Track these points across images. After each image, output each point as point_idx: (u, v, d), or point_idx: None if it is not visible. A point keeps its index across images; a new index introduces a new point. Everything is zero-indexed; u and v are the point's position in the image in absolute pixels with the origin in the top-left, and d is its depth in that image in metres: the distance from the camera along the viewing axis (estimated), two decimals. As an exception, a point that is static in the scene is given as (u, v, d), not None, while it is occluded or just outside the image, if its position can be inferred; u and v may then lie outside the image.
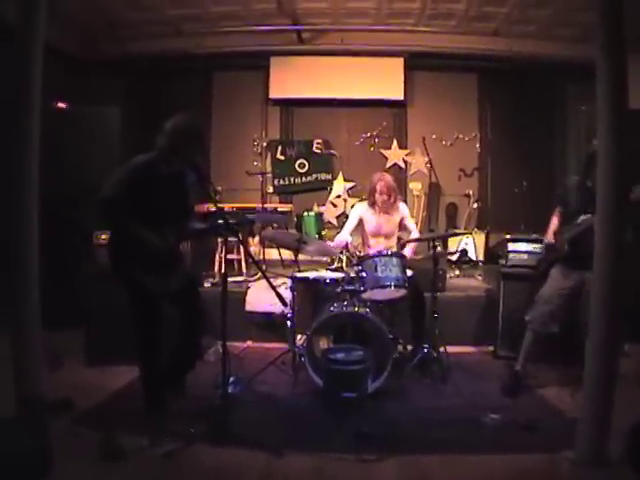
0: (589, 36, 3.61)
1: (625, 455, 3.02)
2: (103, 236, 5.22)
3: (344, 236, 5.63)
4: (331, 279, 5.03)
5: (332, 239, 6.02)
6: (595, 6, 3.41)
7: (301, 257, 5.30)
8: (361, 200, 5.84)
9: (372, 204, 5.60)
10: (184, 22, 8.45)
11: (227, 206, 7.00)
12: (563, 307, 4.61)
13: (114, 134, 6.74)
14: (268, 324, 6.14)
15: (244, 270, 7.17)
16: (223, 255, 6.60)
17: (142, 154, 3.83)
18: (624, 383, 3.56)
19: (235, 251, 7.26)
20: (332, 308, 4.67)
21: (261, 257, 7.58)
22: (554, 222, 4.88)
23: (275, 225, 7.94)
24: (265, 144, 9.50)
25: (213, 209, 4.90)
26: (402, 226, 5.74)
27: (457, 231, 8.58)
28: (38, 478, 3.05)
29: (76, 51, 8.34)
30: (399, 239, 5.88)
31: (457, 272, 7.76)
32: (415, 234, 5.79)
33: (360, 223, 5.68)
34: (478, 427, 3.95)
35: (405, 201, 7.25)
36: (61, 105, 6.75)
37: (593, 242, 3.71)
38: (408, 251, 5.49)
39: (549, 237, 4.87)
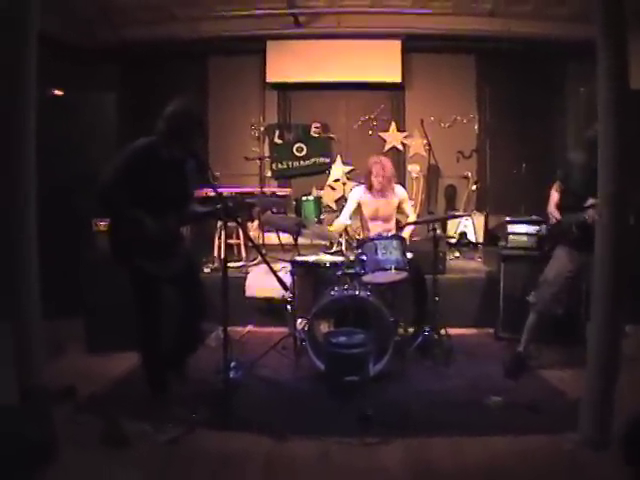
0: (586, 14, 3.57)
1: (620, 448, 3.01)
2: (102, 223, 5.21)
3: (343, 220, 5.65)
4: (331, 263, 5.02)
5: (331, 223, 6.03)
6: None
7: (300, 241, 5.29)
8: (359, 184, 5.82)
9: (369, 187, 5.60)
10: (178, 7, 8.36)
11: (226, 191, 6.96)
12: (567, 289, 4.60)
13: (110, 120, 6.70)
14: (269, 309, 6.15)
15: (244, 255, 7.16)
16: (223, 240, 6.59)
17: (142, 138, 3.80)
18: (625, 364, 3.56)
19: (234, 236, 7.24)
20: (333, 292, 4.67)
21: (260, 242, 7.56)
22: (554, 196, 4.80)
23: (274, 210, 7.92)
24: (263, 128, 9.43)
25: (212, 194, 4.87)
26: (401, 209, 5.74)
27: (456, 213, 8.55)
28: (43, 466, 3.05)
29: (71, 38, 8.23)
30: (398, 222, 5.89)
31: (456, 254, 7.75)
32: (412, 219, 5.78)
33: (359, 207, 5.69)
34: (481, 409, 3.97)
35: (403, 184, 7.26)
36: (57, 92, 6.70)
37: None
38: (406, 233, 5.50)
39: (551, 210, 4.76)
